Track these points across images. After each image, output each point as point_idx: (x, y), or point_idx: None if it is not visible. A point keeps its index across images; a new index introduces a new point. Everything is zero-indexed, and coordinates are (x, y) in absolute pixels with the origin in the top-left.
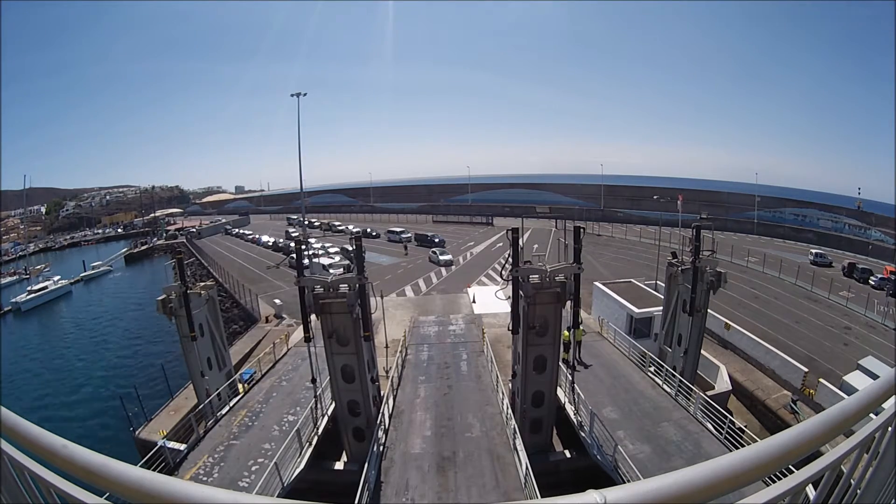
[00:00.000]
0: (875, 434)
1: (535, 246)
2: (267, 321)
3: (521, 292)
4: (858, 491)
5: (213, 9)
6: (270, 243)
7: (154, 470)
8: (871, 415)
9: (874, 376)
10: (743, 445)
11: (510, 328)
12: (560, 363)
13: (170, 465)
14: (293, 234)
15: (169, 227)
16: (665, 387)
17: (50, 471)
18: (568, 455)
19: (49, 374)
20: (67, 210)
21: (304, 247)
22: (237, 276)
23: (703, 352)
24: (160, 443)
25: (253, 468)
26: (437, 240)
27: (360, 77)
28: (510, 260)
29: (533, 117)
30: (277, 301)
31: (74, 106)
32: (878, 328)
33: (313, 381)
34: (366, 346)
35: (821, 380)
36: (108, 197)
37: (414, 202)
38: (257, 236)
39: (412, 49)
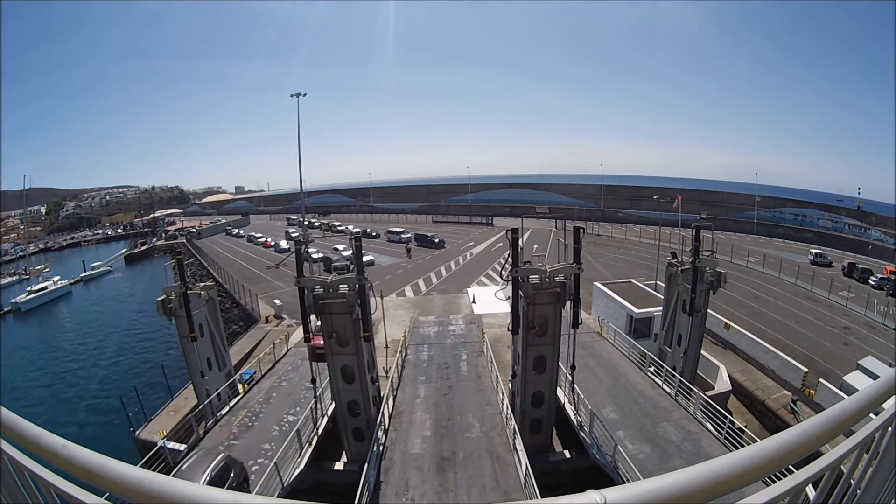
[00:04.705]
0: (875, 434)
1: (535, 246)
2: (267, 321)
3: (520, 292)
4: (858, 491)
5: (214, 8)
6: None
7: (154, 470)
8: (871, 415)
9: (874, 376)
10: (743, 445)
11: (510, 328)
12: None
13: (170, 465)
14: (293, 235)
15: (169, 228)
16: (665, 387)
17: (50, 471)
18: (568, 455)
19: (49, 375)
20: (67, 210)
21: (304, 247)
22: (237, 277)
23: (702, 352)
24: (160, 443)
25: (253, 468)
26: (437, 240)
27: (360, 77)
28: (510, 260)
29: (533, 117)
30: (277, 301)
31: (74, 106)
32: (878, 328)
33: (313, 381)
34: (366, 346)
35: (821, 380)
36: (107, 197)
37: (414, 202)
38: (272, 240)
39: (412, 48)
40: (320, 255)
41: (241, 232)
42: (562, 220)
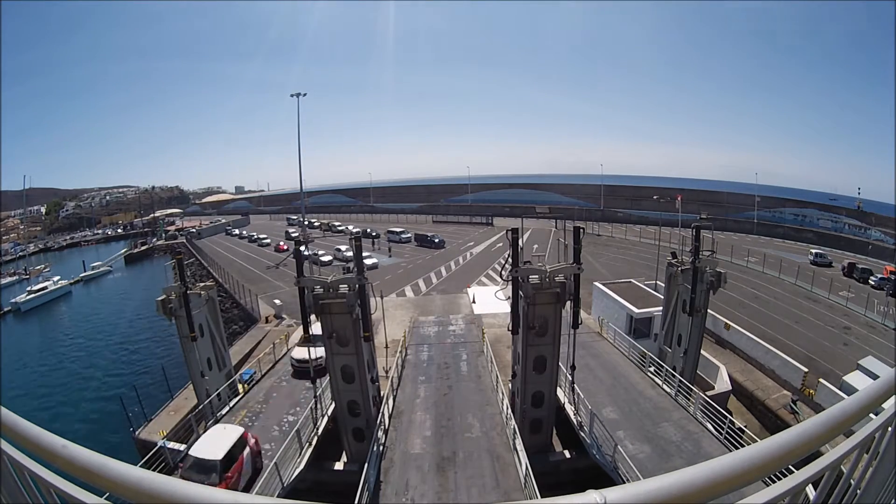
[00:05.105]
0: (875, 434)
1: (535, 246)
2: (267, 321)
3: (520, 292)
4: (858, 491)
5: (214, 8)
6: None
7: (154, 470)
8: (871, 415)
9: (874, 376)
10: (743, 445)
11: (510, 328)
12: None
13: (170, 465)
14: (293, 235)
15: (169, 228)
16: (665, 387)
17: (50, 471)
18: (568, 455)
19: (49, 375)
20: (67, 210)
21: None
22: (237, 277)
23: (702, 352)
24: (160, 443)
25: None
26: (437, 240)
27: (361, 77)
28: (510, 260)
29: (533, 117)
30: (277, 301)
31: (74, 106)
32: (878, 328)
33: (313, 381)
34: (366, 346)
35: (821, 380)
36: (107, 197)
37: (414, 202)
38: (285, 244)
39: (412, 48)
40: (329, 258)
41: (244, 232)
42: (562, 220)
